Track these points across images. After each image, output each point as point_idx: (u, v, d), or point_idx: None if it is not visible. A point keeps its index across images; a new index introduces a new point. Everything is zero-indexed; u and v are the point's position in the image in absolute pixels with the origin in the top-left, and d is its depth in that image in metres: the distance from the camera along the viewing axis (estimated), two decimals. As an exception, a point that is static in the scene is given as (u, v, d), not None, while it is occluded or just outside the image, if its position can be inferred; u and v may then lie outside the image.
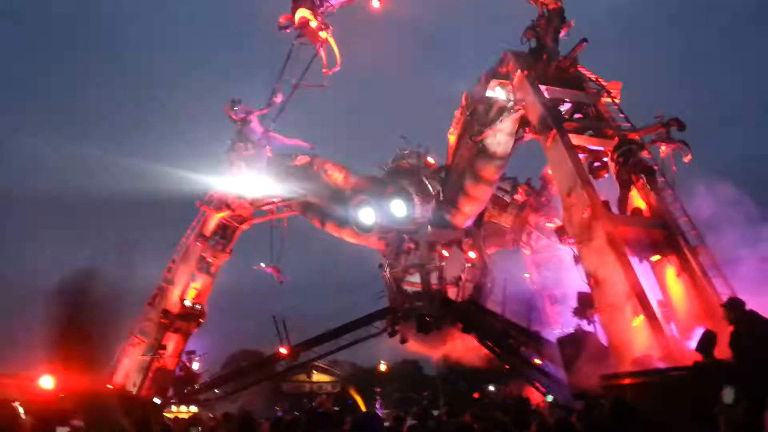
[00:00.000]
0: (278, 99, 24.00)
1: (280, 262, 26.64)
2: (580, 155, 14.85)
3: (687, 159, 13.97)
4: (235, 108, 24.87)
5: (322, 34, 20.87)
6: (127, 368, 23.92)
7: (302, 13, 20.30)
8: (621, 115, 15.74)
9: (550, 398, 16.95)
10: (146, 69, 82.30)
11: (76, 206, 63.16)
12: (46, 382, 16.03)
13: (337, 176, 23.39)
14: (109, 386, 22.89)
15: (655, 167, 14.22)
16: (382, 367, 44.58)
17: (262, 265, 26.65)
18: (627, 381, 10.92)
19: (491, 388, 28.52)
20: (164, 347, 24.37)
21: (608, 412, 4.90)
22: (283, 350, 25.26)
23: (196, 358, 26.04)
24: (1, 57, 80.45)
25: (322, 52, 21.34)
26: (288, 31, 21.29)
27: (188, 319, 25.65)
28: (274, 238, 26.70)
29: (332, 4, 20.67)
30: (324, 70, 20.82)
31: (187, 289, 25.92)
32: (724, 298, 11.08)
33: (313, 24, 20.49)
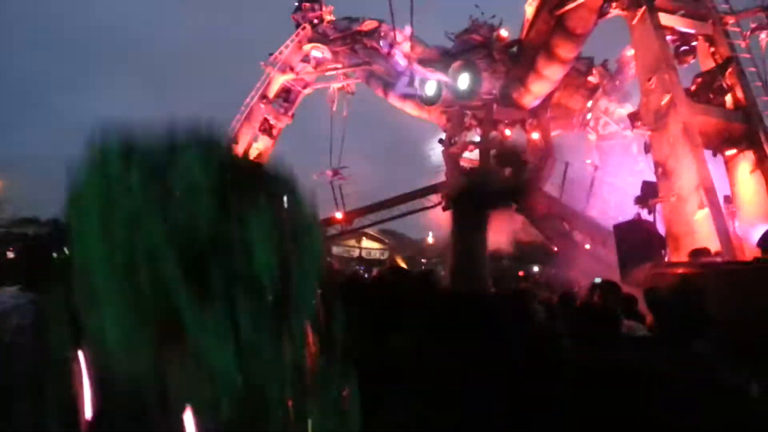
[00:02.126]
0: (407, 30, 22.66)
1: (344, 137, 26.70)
2: (669, 36, 13.94)
3: None
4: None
5: None
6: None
7: None
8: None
9: (598, 280, 17.08)
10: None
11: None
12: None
13: (404, 45, 22.71)
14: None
15: (748, 56, 13.28)
16: (430, 240, 45.62)
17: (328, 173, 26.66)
18: (682, 270, 10.91)
19: (536, 268, 28.96)
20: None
21: (673, 291, 4.88)
22: (339, 215, 26.08)
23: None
24: None
25: None
26: None
27: (250, 178, 26.50)
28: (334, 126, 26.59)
29: None
30: None
31: (250, 148, 26.63)
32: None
33: None
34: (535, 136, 21.26)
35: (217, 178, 0.89)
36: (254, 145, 26.80)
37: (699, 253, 10.99)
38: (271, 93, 27.05)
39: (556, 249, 20.17)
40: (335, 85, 27.04)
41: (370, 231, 39.34)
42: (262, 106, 26.55)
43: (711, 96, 13.20)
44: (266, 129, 27.18)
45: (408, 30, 22.11)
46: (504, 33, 21.87)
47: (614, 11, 16.24)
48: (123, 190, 0.86)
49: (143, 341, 0.82)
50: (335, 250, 43.84)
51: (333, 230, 27.82)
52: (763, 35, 13.37)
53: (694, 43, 14.18)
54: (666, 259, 12.04)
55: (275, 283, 0.88)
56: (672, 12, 14.59)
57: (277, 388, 0.86)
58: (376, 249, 46.13)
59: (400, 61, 22.88)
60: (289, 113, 27.81)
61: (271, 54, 26.96)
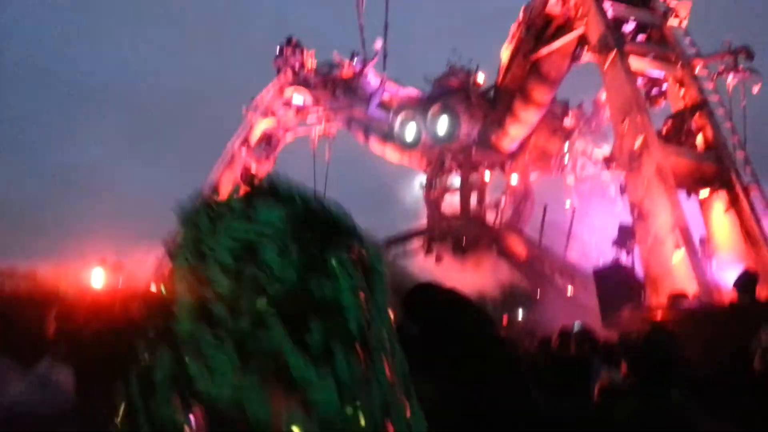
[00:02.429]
0: (377, 44, 23.14)
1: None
2: (639, 80, 14.14)
3: (756, 89, 13.14)
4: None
5: None
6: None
7: None
8: (687, 40, 14.77)
9: (577, 327, 16.88)
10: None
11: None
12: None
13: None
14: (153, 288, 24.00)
15: (716, 98, 13.46)
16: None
17: None
18: (661, 314, 10.78)
19: (519, 313, 28.53)
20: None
21: (644, 337, 4.72)
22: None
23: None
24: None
25: None
26: None
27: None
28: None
29: None
30: None
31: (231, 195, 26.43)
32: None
33: None
34: (514, 178, 21.34)
35: (302, 237, 1.03)
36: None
37: (677, 296, 10.87)
38: (253, 138, 27.05)
39: (538, 293, 19.99)
40: (317, 127, 27.13)
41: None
42: (244, 151, 26.50)
43: (682, 137, 13.28)
44: (247, 175, 27.08)
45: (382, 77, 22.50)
46: (481, 77, 22.15)
47: (586, 56, 16.53)
48: (219, 268, 0.99)
49: (257, 397, 0.94)
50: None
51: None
52: (730, 77, 13.56)
53: (664, 86, 14.35)
54: (646, 303, 11.89)
55: (363, 332, 1.02)
56: (642, 56, 14.84)
57: (369, 417, 0.98)
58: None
59: (371, 81, 23.22)
60: (271, 158, 27.77)
61: (252, 99, 27.09)
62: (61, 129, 60.86)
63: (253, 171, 27.23)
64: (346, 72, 25.07)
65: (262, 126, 27.17)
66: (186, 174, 26.97)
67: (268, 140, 27.92)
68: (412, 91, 22.00)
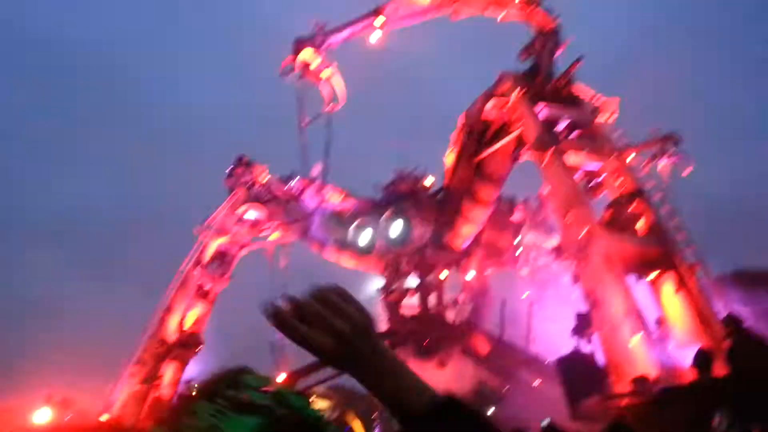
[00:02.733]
0: (315, 170, 23.96)
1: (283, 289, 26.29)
2: (577, 173, 14.82)
3: (687, 172, 13.93)
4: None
5: (325, 73, 20.34)
6: (124, 399, 23.62)
7: (303, 56, 19.89)
8: (618, 132, 15.73)
9: (545, 422, 16.56)
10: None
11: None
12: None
13: (336, 199, 23.34)
14: (103, 419, 22.70)
15: (652, 183, 14.19)
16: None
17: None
18: (625, 401, 10.71)
19: (489, 410, 27.91)
20: (161, 376, 24.12)
21: None
22: (282, 377, 24.94)
23: (194, 386, 25.53)
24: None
25: (325, 90, 20.71)
26: (289, 76, 20.47)
27: (186, 346, 25.46)
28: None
29: (333, 41, 20.51)
30: (329, 107, 20.44)
31: (186, 316, 25.80)
32: (722, 315, 10.91)
33: (314, 65, 20.00)
34: (471, 276, 21.56)
35: None
36: (190, 312, 26.00)
37: (640, 381, 10.86)
38: (206, 258, 26.77)
39: (505, 389, 19.69)
40: (273, 236, 27.12)
41: (317, 389, 37.63)
42: (197, 272, 26.11)
43: (623, 224, 13.80)
44: (202, 294, 26.53)
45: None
46: (429, 181, 22.86)
47: (526, 155, 17.35)
48: None
49: None
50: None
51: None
52: (663, 162, 14.37)
53: (602, 177, 15.04)
54: (610, 390, 11.81)
55: None
56: (578, 151, 15.65)
57: None
58: (324, 408, 43.93)
59: (309, 201, 23.50)
60: (225, 276, 27.38)
61: (204, 219, 27.11)
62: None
63: (207, 290, 26.78)
64: (285, 192, 25.59)
65: (215, 245, 27.06)
66: (146, 300, 26.28)
67: (222, 258, 27.70)
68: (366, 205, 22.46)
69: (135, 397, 23.47)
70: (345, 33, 20.48)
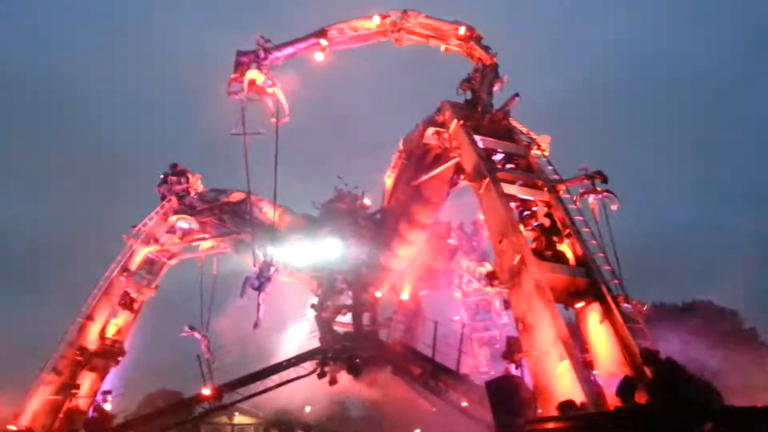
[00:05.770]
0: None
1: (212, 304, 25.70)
2: (512, 203, 15.43)
3: (614, 207, 14.77)
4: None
5: (270, 90, 20.25)
6: (36, 409, 22.49)
7: (251, 75, 19.72)
8: (550, 167, 16.53)
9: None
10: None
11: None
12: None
13: (272, 214, 23.26)
14: (12, 429, 21.56)
15: (581, 217, 14.95)
16: (307, 409, 43.48)
17: (190, 331, 25.26)
18: (551, 425, 11.20)
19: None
20: (78, 386, 23.12)
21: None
22: (206, 391, 24.43)
23: (110, 399, 24.56)
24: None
25: (269, 103, 20.53)
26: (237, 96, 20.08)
27: (107, 356, 24.56)
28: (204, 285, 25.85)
29: (277, 57, 20.51)
30: (273, 121, 20.34)
31: (108, 325, 24.91)
32: (644, 346, 11.67)
33: (260, 81, 19.88)
34: (405, 296, 21.93)
35: None
36: (113, 320, 25.11)
37: (566, 405, 11.40)
38: (133, 265, 26.00)
39: (435, 410, 20.10)
40: (205, 245, 26.62)
41: (242, 405, 36.93)
42: (123, 279, 25.29)
43: (555, 255, 14.50)
44: (127, 303, 25.69)
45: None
46: (367, 201, 23.14)
47: (463, 182, 17.93)
48: None
49: None
50: (204, 429, 40.32)
51: (200, 408, 25.85)
52: (591, 198, 15.20)
53: (534, 208, 15.74)
54: (537, 413, 12.32)
55: None
56: (512, 182, 16.33)
57: None
58: (250, 424, 43.06)
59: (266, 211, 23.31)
60: (153, 285, 26.69)
61: (133, 226, 26.35)
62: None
63: (133, 298, 25.93)
64: (220, 204, 25.30)
65: (143, 252, 26.33)
66: (68, 312, 25.17)
67: (150, 266, 26.98)
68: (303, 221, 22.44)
69: (48, 407, 22.44)
70: (289, 50, 20.57)
